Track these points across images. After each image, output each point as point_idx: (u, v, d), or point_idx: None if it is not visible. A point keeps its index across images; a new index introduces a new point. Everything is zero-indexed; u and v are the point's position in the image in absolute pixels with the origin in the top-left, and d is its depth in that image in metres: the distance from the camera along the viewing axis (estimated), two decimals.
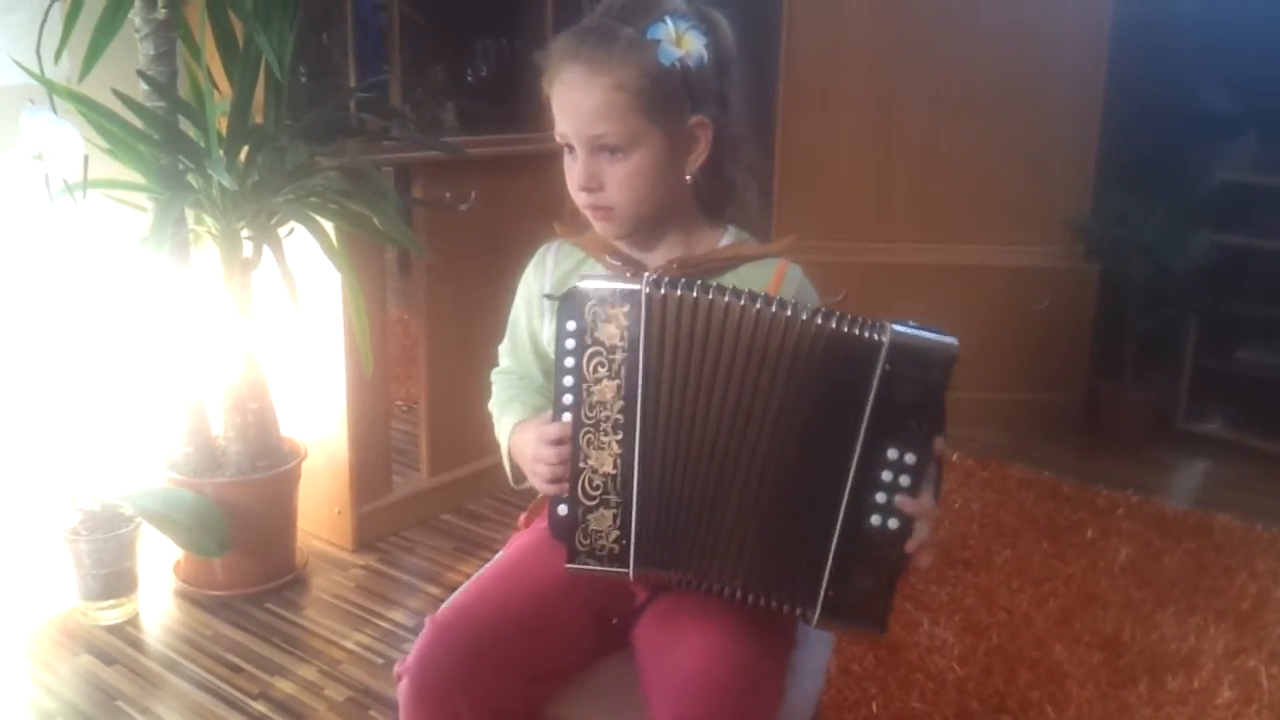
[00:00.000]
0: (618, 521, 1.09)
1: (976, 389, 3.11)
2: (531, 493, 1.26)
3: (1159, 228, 3.05)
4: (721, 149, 1.21)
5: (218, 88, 2.05)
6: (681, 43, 1.14)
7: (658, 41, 1.13)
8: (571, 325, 1.08)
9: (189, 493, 2.12)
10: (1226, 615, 2.22)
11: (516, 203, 2.59)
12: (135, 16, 1.95)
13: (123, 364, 2.25)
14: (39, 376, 2.16)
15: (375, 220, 2.10)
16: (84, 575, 2.07)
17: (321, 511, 2.44)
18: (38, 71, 1.83)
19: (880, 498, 1.06)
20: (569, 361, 1.09)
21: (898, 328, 1.03)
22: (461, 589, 1.26)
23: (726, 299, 1.05)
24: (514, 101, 2.76)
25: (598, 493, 1.09)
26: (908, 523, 1.06)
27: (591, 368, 1.08)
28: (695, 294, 1.05)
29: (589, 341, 1.07)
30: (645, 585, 1.20)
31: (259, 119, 2.07)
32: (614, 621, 1.23)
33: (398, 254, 3.70)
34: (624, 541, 1.10)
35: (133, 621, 2.11)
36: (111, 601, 2.09)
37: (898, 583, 1.08)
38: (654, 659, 1.15)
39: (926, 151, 3.30)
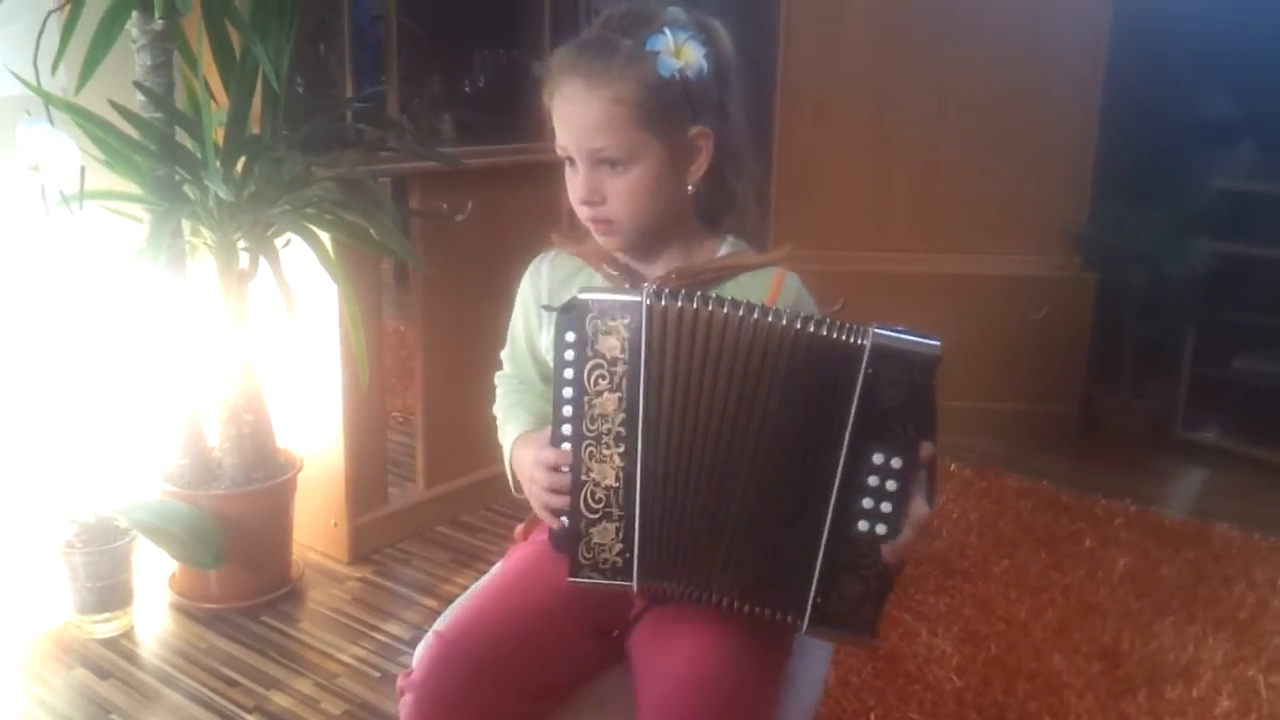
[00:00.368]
0: (621, 534, 1.09)
1: (974, 398, 3.11)
2: (530, 503, 1.26)
3: (1156, 236, 3.04)
4: (723, 159, 1.20)
5: (214, 99, 2.05)
6: (681, 54, 1.13)
7: (657, 53, 1.12)
8: (571, 337, 1.08)
9: (184, 505, 2.11)
10: (1225, 624, 2.21)
11: (513, 213, 2.58)
12: (132, 28, 1.95)
13: (118, 376, 2.25)
14: (35, 388, 2.15)
15: (372, 231, 2.10)
16: (79, 588, 2.06)
17: (317, 523, 2.43)
18: (34, 83, 1.82)
19: (867, 503, 1.06)
20: (569, 373, 1.08)
21: (880, 331, 1.03)
22: (463, 601, 1.25)
23: (725, 310, 1.05)
24: (511, 112, 2.76)
25: (600, 505, 1.09)
26: (896, 529, 1.06)
27: (592, 380, 1.07)
28: (695, 306, 1.05)
29: (589, 354, 1.07)
30: (644, 595, 1.19)
31: (256, 130, 2.06)
32: (614, 634, 1.22)
33: (394, 265, 3.70)
34: (627, 554, 1.09)
35: (127, 635, 2.10)
36: (106, 614, 2.08)
37: (889, 590, 1.08)
38: (646, 664, 1.15)
39: (924, 161, 3.31)
